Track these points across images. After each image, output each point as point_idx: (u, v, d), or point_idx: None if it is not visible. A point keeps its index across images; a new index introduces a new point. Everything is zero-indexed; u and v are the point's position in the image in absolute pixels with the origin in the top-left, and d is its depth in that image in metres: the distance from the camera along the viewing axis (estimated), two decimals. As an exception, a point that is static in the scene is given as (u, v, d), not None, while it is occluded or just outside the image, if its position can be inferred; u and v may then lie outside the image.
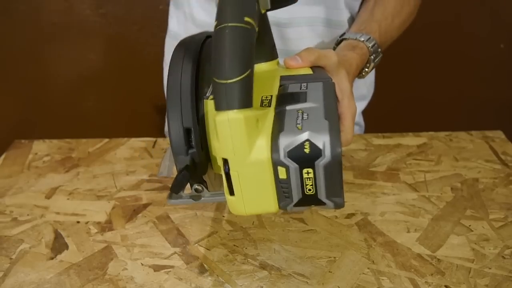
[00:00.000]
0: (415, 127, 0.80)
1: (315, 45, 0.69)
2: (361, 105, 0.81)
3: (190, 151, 0.36)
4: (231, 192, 0.33)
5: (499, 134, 0.73)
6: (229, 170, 0.32)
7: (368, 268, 0.48)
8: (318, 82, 0.40)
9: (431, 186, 0.61)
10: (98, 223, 0.56)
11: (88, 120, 1.38)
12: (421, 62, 1.29)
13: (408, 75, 1.30)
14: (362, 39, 0.57)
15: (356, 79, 0.57)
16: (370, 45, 0.57)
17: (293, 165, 0.32)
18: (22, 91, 1.35)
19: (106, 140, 0.74)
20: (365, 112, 0.85)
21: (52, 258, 0.51)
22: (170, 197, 0.39)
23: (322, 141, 0.31)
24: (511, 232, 0.53)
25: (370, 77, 0.81)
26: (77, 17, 1.25)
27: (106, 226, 0.55)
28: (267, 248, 0.51)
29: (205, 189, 0.39)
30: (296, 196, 0.33)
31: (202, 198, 0.39)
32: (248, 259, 0.50)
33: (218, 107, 0.31)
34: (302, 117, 0.34)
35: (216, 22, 0.32)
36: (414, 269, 0.48)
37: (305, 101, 0.36)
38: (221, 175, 0.35)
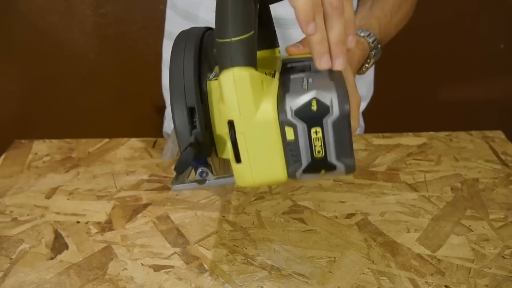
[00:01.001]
0: (415, 127, 0.80)
1: None
2: (361, 106, 0.81)
3: (194, 130, 0.35)
4: (238, 159, 0.32)
5: (499, 134, 0.73)
6: (235, 134, 0.31)
7: (368, 268, 0.48)
8: None
9: (431, 186, 0.61)
10: (98, 223, 0.56)
11: (88, 120, 1.38)
12: (421, 62, 1.29)
13: (408, 75, 1.30)
14: (362, 34, 0.58)
15: (357, 77, 0.57)
16: (371, 40, 0.58)
17: (300, 124, 0.31)
18: (22, 91, 1.35)
19: (106, 140, 0.74)
20: (365, 112, 0.85)
21: (52, 258, 0.51)
22: (174, 182, 0.38)
23: (330, 98, 0.31)
24: (511, 232, 0.53)
25: (369, 76, 0.81)
26: (77, 17, 1.25)
27: (106, 226, 0.55)
28: (267, 248, 0.51)
29: (210, 173, 0.38)
30: (305, 159, 0.32)
31: (207, 182, 0.38)
32: (248, 259, 0.50)
33: (223, 66, 0.30)
34: (307, 81, 0.33)
35: None
36: (414, 269, 0.48)
37: (309, 70, 0.36)
38: (225, 160, 0.34)
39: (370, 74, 0.80)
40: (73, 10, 1.24)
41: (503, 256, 0.50)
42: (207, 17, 0.69)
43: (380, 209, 0.57)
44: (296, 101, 0.31)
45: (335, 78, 0.33)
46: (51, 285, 0.47)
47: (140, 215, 0.57)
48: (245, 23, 0.31)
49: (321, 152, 0.32)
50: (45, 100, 1.36)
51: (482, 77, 1.33)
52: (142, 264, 0.49)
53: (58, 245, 0.53)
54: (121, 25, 1.27)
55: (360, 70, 0.58)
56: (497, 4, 1.24)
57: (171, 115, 0.36)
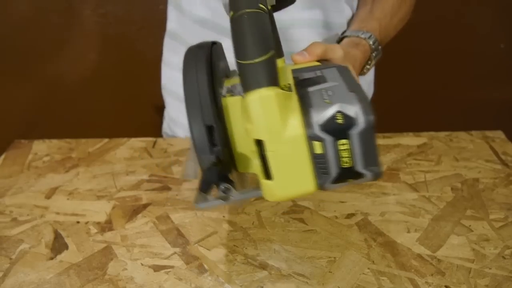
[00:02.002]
0: (415, 127, 0.80)
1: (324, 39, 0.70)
2: None
3: (214, 148, 0.35)
4: (268, 176, 0.33)
5: (499, 134, 0.73)
6: (264, 152, 0.32)
7: (368, 268, 0.48)
8: (331, 68, 0.40)
9: (431, 186, 0.61)
10: (98, 223, 0.56)
11: (88, 120, 1.38)
12: (421, 62, 1.29)
13: (408, 75, 1.30)
14: (364, 36, 0.58)
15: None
16: (371, 42, 0.58)
17: (328, 138, 0.32)
18: (22, 91, 1.35)
19: (106, 140, 0.74)
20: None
21: (52, 258, 0.51)
22: (197, 200, 0.38)
23: (354, 110, 0.31)
24: (511, 232, 0.53)
25: (370, 75, 0.81)
26: (77, 17, 1.25)
27: (106, 226, 0.55)
28: (267, 248, 0.51)
29: (232, 188, 0.38)
30: (333, 170, 0.33)
31: (232, 198, 0.38)
32: (248, 259, 0.50)
33: (247, 88, 0.31)
34: (327, 94, 0.34)
35: (231, 12, 0.33)
36: (414, 269, 0.48)
37: (325, 81, 0.36)
38: (244, 174, 0.34)
39: (370, 73, 0.80)
40: (73, 10, 1.24)
41: (503, 256, 0.50)
42: (203, 14, 0.69)
43: (380, 209, 0.57)
44: (321, 116, 0.32)
45: (355, 89, 0.34)
46: (51, 285, 0.47)
47: (140, 215, 0.57)
48: (265, 43, 0.32)
49: (348, 162, 0.32)
50: (45, 100, 1.36)
51: (482, 77, 1.33)
52: (142, 264, 0.49)
53: (58, 245, 0.52)
54: (121, 25, 1.27)
55: (361, 72, 0.58)
56: (497, 4, 1.24)
57: (190, 135, 0.36)
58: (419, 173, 0.64)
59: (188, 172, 0.41)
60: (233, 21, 0.33)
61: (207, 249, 0.51)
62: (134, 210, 0.58)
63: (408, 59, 1.24)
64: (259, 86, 0.31)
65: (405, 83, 1.31)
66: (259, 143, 0.32)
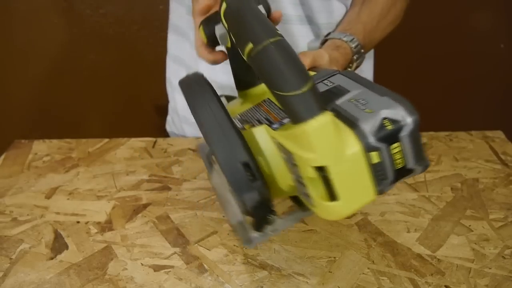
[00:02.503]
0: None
1: (307, 42, 0.70)
2: None
3: (253, 184, 0.35)
4: (333, 198, 0.32)
5: (499, 134, 0.73)
6: (328, 176, 0.31)
7: (368, 268, 0.48)
8: (334, 75, 0.40)
9: (431, 186, 0.61)
10: (98, 223, 0.56)
11: (88, 120, 1.39)
12: (421, 62, 1.29)
13: (408, 75, 1.30)
14: (346, 39, 0.59)
15: None
16: (353, 45, 0.59)
17: (383, 146, 0.32)
18: (22, 91, 1.35)
19: (106, 140, 0.74)
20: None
21: (52, 258, 0.51)
22: (247, 241, 0.38)
23: (399, 114, 0.32)
24: (511, 232, 0.53)
25: (369, 77, 0.81)
26: (77, 17, 1.25)
27: (106, 226, 0.55)
28: (267, 248, 0.51)
29: (275, 217, 0.38)
30: (390, 174, 0.33)
31: (282, 226, 0.38)
32: (248, 259, 0.50)
33: (300, 119, 0.30)
34: (361, 103, 0.34)
35: (251, 45, 0.32)
36: (414, 269, 0.48)
37: (347, 91, 0.36)
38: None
39: (369, 74, 0.80)
40: (73, 10, 1.24)
41: (503, 256, 0.50)
42: None
43: (380, 209, 0.57)
44: (371, 127, 0.32)
45: (384, 92, 0.34)
46: (51, 285, 0.47)
47: (140, 215, 0.57)
48: (304, 69, 0.31)
49: (401, 163, 0.33)
50: (45, 100, 1.36)
51: (482, 77, 1.33)
52: (142, 264, 0.49)
53: (58, 245, 0.53)
54: (121, 25, 1.27)
55: None
56: (497, 4, 1.25)
57: (226, 179, 0.35)
58: (419, 173, 0.64)
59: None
60: (259, 53, 0.32)
61: (207, 249, 0.51)
62: (134, 210, 0.58)
63: (408, 59, 1.24)
64: (314, 114, 0.30)
65: (405, 83, 1.30)
66: (319, 168, 0.31)
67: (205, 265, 0.49)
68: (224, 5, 0.37)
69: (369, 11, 0.65)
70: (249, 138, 0.37)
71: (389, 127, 0.32)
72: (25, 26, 1.26)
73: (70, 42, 1.28)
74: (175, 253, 0.51)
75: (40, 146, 0.73)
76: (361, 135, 0.31)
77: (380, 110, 0.32)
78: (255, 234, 0.38)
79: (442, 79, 1.33)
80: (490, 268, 0.48)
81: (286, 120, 0.37)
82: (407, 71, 1.29)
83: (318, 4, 0.68)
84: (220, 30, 0.44)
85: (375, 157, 0.32)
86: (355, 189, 0.32)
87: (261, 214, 0.35)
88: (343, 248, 0.51)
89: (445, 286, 0.46)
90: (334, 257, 0.50)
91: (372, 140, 0.31)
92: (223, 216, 0.56)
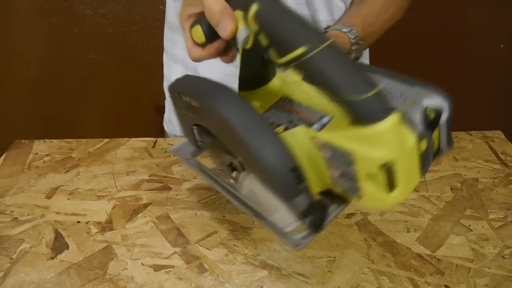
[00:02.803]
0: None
1: None
2: None
3: (300, 187, 0.35)
4: (392, 188, 0.33)
5: (498, 134, 0.73)
6: (392, 169, 0.32)
7: (368, 268, 0.48)
8: None
9: (430, 186, 0.62)
10: (99, 223, 0.56)
11: (88, 120, 1.39)
12: (420, 62, 1.29)
13: (408, 75, 1.30)
14: (344, 30, 0.60)
15: None
16: (352, 36, 0.59)
17: (429, 133, 0.34)
18: (22, 91, 1.36)
19: (106, 140, 0.74)
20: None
21: (52, 258, 0.51)
22: (297, 243, 0.38)
23: (437, 102, 0.35)
24: (510, 232, 0.53)
25: None
26: (77, 17, 1.25)
27: (106, 226, 0.55)
28: (267, 248, 0.51)
29: (329, 211, 0.38)
30: (431, 157, 0.36)
31: (329, 220, 0.38)
32: (248, 259, 0.50)
33: (371, 120, 0.31)
34: (397, 95, 0.36)
35: (303, 48, 0.32)
36: (414, 269, 0.48)
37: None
38: None
39: None
40: (73, 10, 1.24)
41: (502, 256, 0.50)
42: None
43: (380, 209, 0.57)
44: (417, 117, 0.34)
45: (412, 81, 0.36)
46: (52, 285, 0.47)
47: (140, 215, 0.57)
48: (367, 73, 0.32)
49: (437, 145, 0.36)
50: (45, 100, 1.36)
51: (482, 77, 1.33)
52: (142, 264, 0.50)
53: (59, 245, 0.53)
54: (121, 25, 1.27)
55: None
56: (497, 4, 1.25)
57: (270, 187, 0.35)
58: (418, 173, 0.64)
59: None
60: (316, 57, 0.32)
61: (207, 248, 0.52)
62: (135, 210, 0.58)
63: (408, 60, 1.24)
64: (386, 114, 0.31)
65: (405, 83, 1.31)
66: (385, 164, 0.32)
67: (205, 265, 0.49)
68: (255, 7, 0.36)
69: (369, 5, 0.66)
70: (294, 140, 0.36)
71: (432, 115, 0.34)
72: (25, 26, 1.26)
73: (70, 42, 1.28)
74: (175, 253, 0.51)
75: (41, 146, 0.73)
76: (414, 127, 0.33)
77: (422, 101, 0.35)
78: (304, 233, 0.38)
79: (442, 79, 1.33)
80: (489, 268, 0.48)
81: (326, 120, 0.37)
82: (407, 71, 1.28)
83: (321, 4, 0.68)
84: (244, 31, 0.43)
85: (423, 144, 0.34)
86: (409, 177, 0.34)
87: (317, 213, 0.36)
88: (343, 247, 0.51)
89: (445, 285, 0.46)
90: (334, 257, 0.50)
91: (422, 129, 0.34)
92: (223, 216, 0.56)
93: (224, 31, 0.40)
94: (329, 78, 0.31)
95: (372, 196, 0.34)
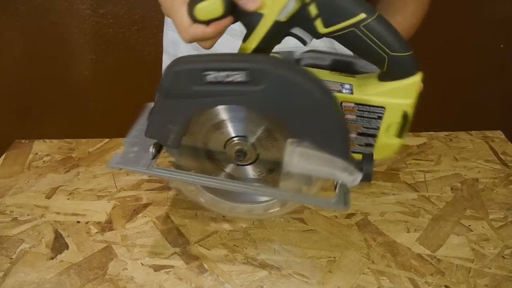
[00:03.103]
0: (415, 127, 0.80)
1: None
2: None
3: (348, 155, 0.40)
4: (400, 136, 0.42)
5: (499, 134, 0.73)
6: (409, 116, 0.42)
7: (368, 268, 0.48)
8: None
9: (431, 186, 0.62)
10: (98, 223, 0.56)
11: (88, 120, 1.38)
12: (420, 62, 1.29)
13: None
14: None
15: None
16: None
17: None
18: (23, 91, 1.35)
19: (106, 140, 0.74)
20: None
21: (52, 258, 0.51)
22: (343, 201, 0.41)
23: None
24: (511, 232, 0.53)
25: None
26: (77, 17, 1.25)
27: (106, 226, 0.55)
28: (267, 248, 0.51)
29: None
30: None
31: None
32: (248, 259, 0.50)
33: (410, 73, 0.41)
34: None
35: (363, 15, 0.38)
36: (414, 269, 0.48)
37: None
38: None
39: None
40: (73, 10, 1.24)
41: (502, 256, 0.50)
42: None
43: (380, 209, 0.57)
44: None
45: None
46: (51, 285, 0.47)
47: (140, 215, 0.57)
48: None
49: None
50: (45, 100, 1.36)
51: (482, 77, 1.33)
52: (142, 264, 0.49)
53: (58, 245, 0.53)
54: (121, 25, 1.27)
55: None
56: (497, 4, 1.25)
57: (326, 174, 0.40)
58: (418, 173, 0.64)
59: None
60: (374, 22, 0.39)
61: (207, 249, 0.51)
62: (134, 210, 0.58)
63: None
64: (418, 69, 0.41)
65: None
66: (405, 113, 0.41)
67: (205, 265, 0.49)
68: None
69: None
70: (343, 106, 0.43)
71: None
72: (25, 26, 1.26)
73: (70, 42, 1.28)
74: (175, 253, 0.51)
75: (41, 146, 0.73)
76: None
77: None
78: (337, 197, 0.41)
79: (442, 79, 1.33)
80: (490, 268, 0.48)
81: (348, 86, 0.42)
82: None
83: None
84: (292, 2, 0.43)
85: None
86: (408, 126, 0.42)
87: (368, 165, 0.41)
88: (343, 248, 0.51)
89: (445, 286, 0.46)
90: (334, 257, 0.50)
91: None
92: (223, 216, 0.56)
93: (253, 3, 0.40)
94: (384, 38, 0.39)
95: (384, 145, 0.43)
